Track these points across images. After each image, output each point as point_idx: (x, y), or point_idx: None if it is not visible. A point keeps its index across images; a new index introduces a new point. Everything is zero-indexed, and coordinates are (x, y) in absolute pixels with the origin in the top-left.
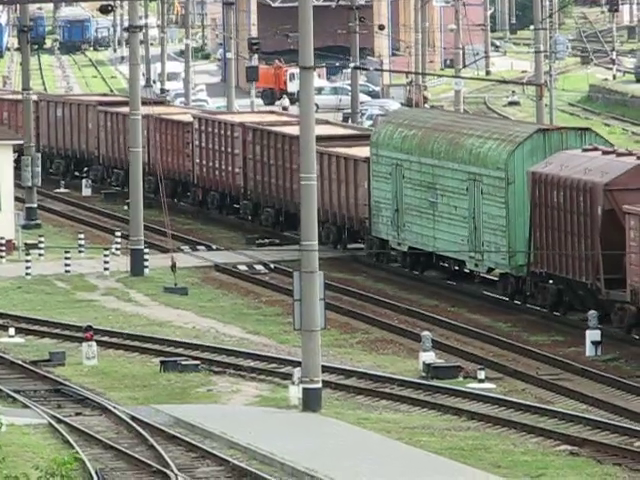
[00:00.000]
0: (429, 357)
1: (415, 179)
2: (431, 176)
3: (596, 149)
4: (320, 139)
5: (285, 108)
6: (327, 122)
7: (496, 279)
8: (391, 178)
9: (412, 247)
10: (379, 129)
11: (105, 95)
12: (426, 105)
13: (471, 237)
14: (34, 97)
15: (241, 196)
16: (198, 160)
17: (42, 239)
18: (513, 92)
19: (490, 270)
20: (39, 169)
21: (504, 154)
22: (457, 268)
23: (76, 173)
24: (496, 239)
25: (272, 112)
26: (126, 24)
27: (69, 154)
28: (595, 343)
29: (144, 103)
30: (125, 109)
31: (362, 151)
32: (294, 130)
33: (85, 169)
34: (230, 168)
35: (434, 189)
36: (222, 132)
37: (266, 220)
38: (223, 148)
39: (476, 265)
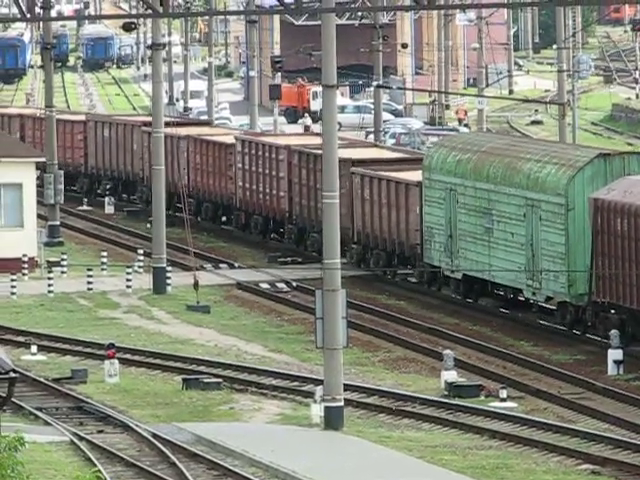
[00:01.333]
0: (451, 376)
1: (470, 204)
2: (487, 201)
3: None
4: (369, 162)
5: (307, 127)
6: (375, 145)
7: (554, 308)
8: (444, 203)
9: (466, 274)
10: (432, 153)
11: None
12: (463, 124)
13: (529, 264)
14: (82, 117)
15: (286, 220)
16: (241, 183)
17: (65, 256)
18: (536, 111)
19: (548, 299)
20: (61, 186)
21: (564, 179)
22: (512, 296)
23: (124, 195)
24: (555, 267)
25: (317, 134)
26: (149, 42)
27: (115, 175)
28: (617, 362)
29: (186, 124)
30: (168, 130)
31: (413, 175)
32: (341, 153)
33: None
34: (275, 191)
35: (490, 215)
36: (266, 154)
37: (312, 246)
38: (267, 171)
39: (533, 293)
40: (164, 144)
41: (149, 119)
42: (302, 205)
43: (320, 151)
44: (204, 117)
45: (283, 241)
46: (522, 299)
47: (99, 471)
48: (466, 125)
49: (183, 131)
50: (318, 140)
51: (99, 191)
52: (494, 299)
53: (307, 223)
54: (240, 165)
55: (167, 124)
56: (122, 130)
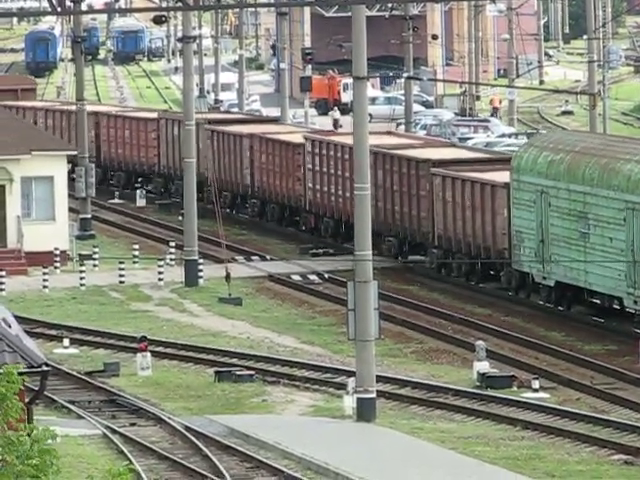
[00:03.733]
0: (483, 367)
1: (563, 207)
2: (582, 204)
3: None
4: (450, 163)
5: (336, 120)
6: (453, 145)
7: None
8: (535, 206)
9: (559, 281)
10: (521, 153)
11: (214, 113)
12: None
13: (629, 272)
14: (155, 114)
15: None
16: (311, 184)
17: (96, 250)
18: (566, 102)
19: None
20: (93, 179)
21: None
22: (607, 305)
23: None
24: None
25: (390, 133)
26: (180, 35)
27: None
28: None
29: (253, 121)
30: (232, 128)
31: (498, 176)
32: (420, 154)
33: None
34: (347, 194)
35: (586, 219)
36: (338, 155)
37: (388, 250)
38: (340, 172)
39: (635, 302)
40: (227, 142)
41: (214, 116)
42: (378, 208)
43: (398, 151)
44: (235, 109)
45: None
46: (616, 307)
47: (132, 464)
48: (499, 115)
49: (247, 129)
50: (393, 140)
51: (172, 192)
52: (587, 307)
53: (383, 227)
54: (310, 166)
55: (232, 121)
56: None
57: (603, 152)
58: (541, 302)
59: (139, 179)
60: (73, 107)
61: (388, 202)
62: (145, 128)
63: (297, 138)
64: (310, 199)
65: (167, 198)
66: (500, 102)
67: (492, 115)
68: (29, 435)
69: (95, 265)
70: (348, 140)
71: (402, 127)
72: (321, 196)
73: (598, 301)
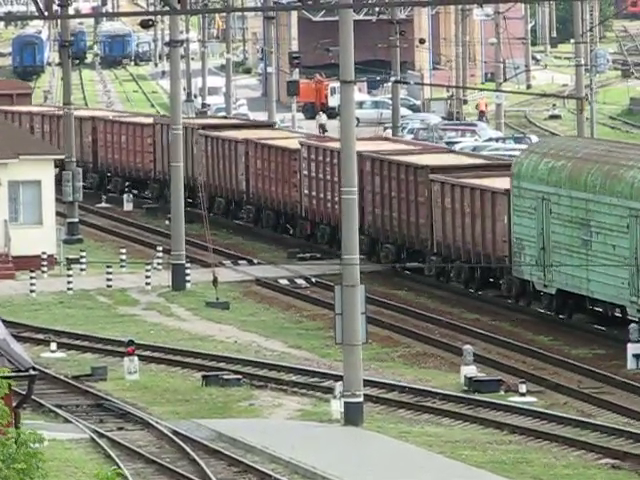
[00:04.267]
0: (471, 371)
1: (565, 215)
2: (584, 211)
3: None
4: (449, 169)
5: (322, 125)
6: (451, 151)
7: None
8: (536, 213)
9: (561, 289)
10: (521, 159)
11: (210, 117)
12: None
13: (632, 280)
14: (150, 120)
15: (357, 231)
16: (307, 191)
17: (84, 254)
18: (554, 105)
19: None
20: (80, 184)
21: None
22: (610, 313)
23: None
24: None
25: (386, 139)
26: (167, 39)
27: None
28: (636, 356)
29: (248, 126)
30: (227, 133)
31: (497, 182)
32: (418, 160)
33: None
34: None
35: (588, 226)
36: (335, 161)
37: (386, 257)
38: (336, 179)
39: (638, 310)
40: (222, 147)
41: (208, 121)
42: (375, 215)
43: (396, 157)
44: (222, 113)
45: (420, 275)
46: (618, 316)
47: (119, 468)
48: (486, 118)
49: (241, 134)
50: (391, 146)
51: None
52: (589, 315)
53: (381, 234)
54: (306, 172)
55: (226, 126)
56: (183, 134)
57: (606, 158)
58: (541, 310)
59: (126, 183)
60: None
61: (386, 209)
62: (141, 133)
63: (293, 144)
64: (306, 206)
65: (156, 203)
66: (486, 106)
67: (479, 119)
68: (15, 439)
69: (82, 269)
70: None
71: (389, 131)
72: (317, 202)
73: (600, 309)
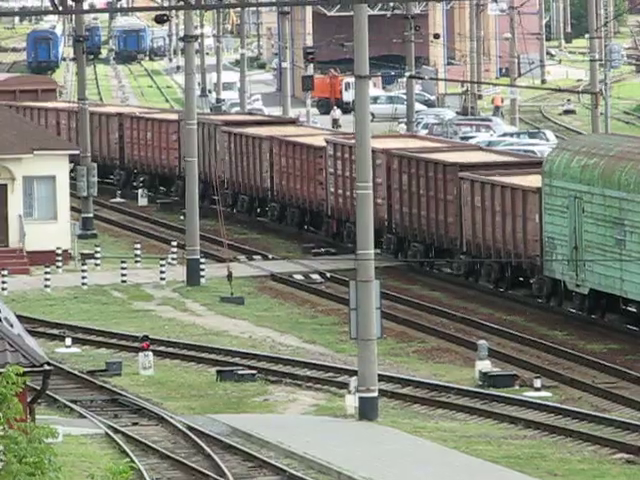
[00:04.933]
0: (485, 366)
1: (598, 213)
2: (618, 210)
3: None
4: (479, 167)
5: (336, 120)
6: (480, 149)
7: None
8: (568, 212)
9: (593, 289)
10: (552, 157)
11: (234, 114)
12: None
13: None
14: (175, 116)
15: (385, 229)
16: (333, 189)
17: (98, 249)
18: (568, 101)
19: None
20: (95, 179)
21: None
22: None
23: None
24: None
25: (413, 136)
26: (182, 34)
27: (202, 178)
28: None
29: (271, 123)
30: (250, 130)
31: (529, 180)
32: (445, 157)
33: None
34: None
35: (622, 225)
36: None
37: (414, 256)
38: None
39: None
40: (246, 144)
41: (231, 117)
42: (403, 213)
43: (424, 155)
44: (236, 108)
45: (381, 253)
46: None
47: (133, 462)
48: (502, 113)
49: (265, 130)
50: (417, 143)
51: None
52: (622, 315)
53: (409, 232)
54: (332, 170)
55: (249, 122)
56: (207, 130)
57: (639, 156)
58: (573, 310)
59: (142, 179)
60: (95, 108)
61: (414, 207)
62: (167, 130)
63: (318, 141)
64: (332, 204)
65: (182, 199)
66: (502, 101)
67: (494, 114)
68: (27, 434)
69: (97, 264)
70: (373, 144)
71: (403, 126)
72: (343, 201)
73: (634, 310)
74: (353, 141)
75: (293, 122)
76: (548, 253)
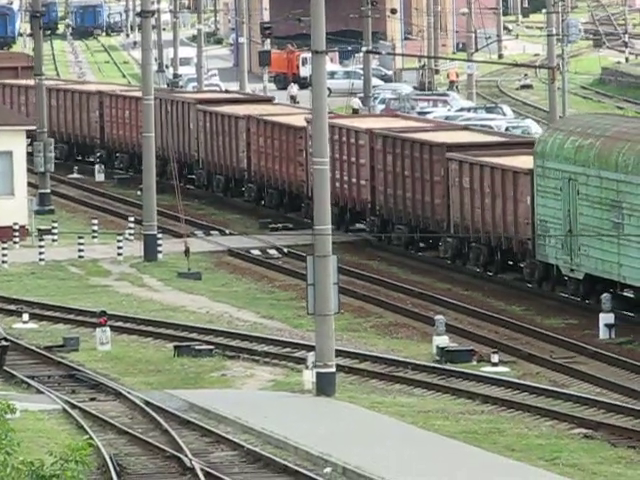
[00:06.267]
0: (443, 341)
1: (594, 196)
2: (615, 193)
3: None
4: (467, 147)
5: (293, 96)
6: (466, 128)
7: None
8: (562, 194)
9: (589, 274)
10: (545, 138)
11: (205, 92)
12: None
13: None
14: (138, 93)
15: (368, 211)
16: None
17: (55, 225)
18: (525, 75)
19: None
20: (52, 154)
21: None
22: None
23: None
24: None
25: (396, 116)
26: (138, 9)
27: (176, 157)
28: (609, 326)
29: (247, 101)
30: (226, 108)
31: (518, 161)
32: (432, 137)
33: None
34: (355, 180)
35: (619, 208)
36: (344, 139)
37: (398, 239)
38: (345, 157)
39: None
40: (222, 123)
41: (205, 95)
42: (387, 194)
43: (409, 135)
44: (193, 84)
45: (362, 234)
46: None
47: (91, 439)
48: (457, 88)
49: (242, 109)
50: (401, 123)
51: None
52: (619, 301)
53: (393, 214)
54: (312, 150)
55: (224, 100)
56: (181, 108)
57: (638, 137)
58: (564, 294)
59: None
60: (76, 86)
61: (398, 188)
62: (136, 107)
63: (298, 120)
64: (312, 185)
65: (162, 179)
66: (457, 75)
67: (449, 89)
68: None
69: (54, 240)
70: (357, 123)
71: (357, 100)
72: None
73: (632, 295)
74: (335, 120)
75: (269, 100)
76: (540, 237)
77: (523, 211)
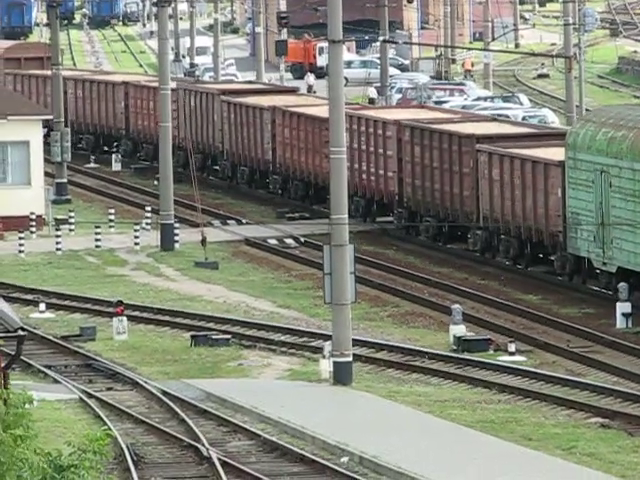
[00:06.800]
0: (459, 330)
1: (627, 188)
2: None
3: None
4: (496, 139)
5: (310, 86)
6: (494, 119)
7: None
8: (594, 186)
9: (622, 267)
10: (577, 129)
11: (229, 82)
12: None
13: None
14: (174, 84)
15: (395, 204)
16: None
17: (72, 214)
18: (542, 65)
19: None
20: (69, 144)
21: None
22: None
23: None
24: None
25: (423, 107)
26: None
27: (200, 148)
28: (626, 315)
29: (272, 92)
30: (251, 99)
31: (549, 153)
32: (460, 128)
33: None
34: (382, 172)
35: None
36: (371, 130)
37: (426, 231)
38: (372, 149)
39: None
40: (246, 115)
41: (229, 86)
42: (415, 186)
43: (438, 126)
44: (210, 73)
45: (390, 228)
46: None
47: (109, 429)
48: (472, 77)
49: (266, 100)
50: (428, 114)
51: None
52: None
53: (421, 206)
54: (330, 140)
55: (248, 91)
56: (205, 99)
57: None
58: (595, 288)
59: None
60: (102, 77)
61: (427, 180)
62: (53, 86)
63: (323, 111)
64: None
65: (183, 169)
66: (472, 65)
67: (465, 78)
68: (5, 400)
69: (71, 230)
70: (384, 114)
71: (373, 89)
72: (351, 174)
73: None
74: (361, 112)
75: (294, 91)
76: (572, 229)
77: (554, 203)
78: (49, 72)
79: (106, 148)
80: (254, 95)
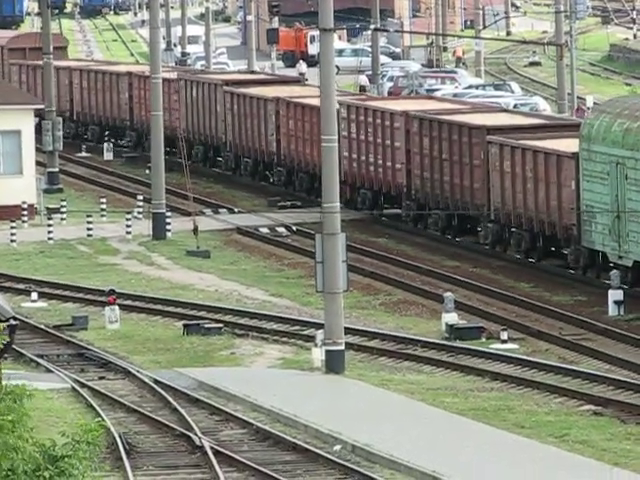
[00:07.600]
0: (452, 318)
1: None
2: None
3: None
4: (507, 130)
5: (302, 74)
6: (504, 110)
7: None
8: (609, 178)
9: (638, 261)
10: (591, 120)
11: (232, 72)
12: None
13: None
14: (174, 75)
15: (403, 196)
16: (347, 154)
17: (64, 203)
18: (534, 52)
19: None
20: (60, 133)
21: None
22: None
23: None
24: None
25: (430, 97)
26: None
27: (202, 139)
28: (618, 303)
29: (275, 82)
30: (254, 90)
31: (562, 144)
32: (470, 119)
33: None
34: (389, 163)
35: None
36: (378, 121)
37: (435, 224)
38: (380, 140)
39: None
40: (250, 106)
41: (232, 76)
42: (423, 178)
43: (447, 117)
44: (201, 62)
45: (399, 222)
46: None
47: (103, 420)
48: (464, 64)
49: (270, 91)
50: (437, 105)
51: (193, 159)
52: None
53: (430, 198)
54: (345, 133)
55: (251, 82)
56: (207, 90)
57: None
58: (607, 281)
59: (112, 134)
60: (109, 67)
61: (436, 172)
62: (168, 89)
63: None
64: (345, 169)
65: (188, 161)
66: (463, 52)
67: (456, 65)
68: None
69: (63, 219)
70: (391, 105)
71: (364, 77)
72: (358, 166)
73: None
74: (368, 102)
75: (298, 81)
76: (587, 223)
77: (567, 196)
78: (56, 62)
79: (113, 140)
80: (257, 86)
